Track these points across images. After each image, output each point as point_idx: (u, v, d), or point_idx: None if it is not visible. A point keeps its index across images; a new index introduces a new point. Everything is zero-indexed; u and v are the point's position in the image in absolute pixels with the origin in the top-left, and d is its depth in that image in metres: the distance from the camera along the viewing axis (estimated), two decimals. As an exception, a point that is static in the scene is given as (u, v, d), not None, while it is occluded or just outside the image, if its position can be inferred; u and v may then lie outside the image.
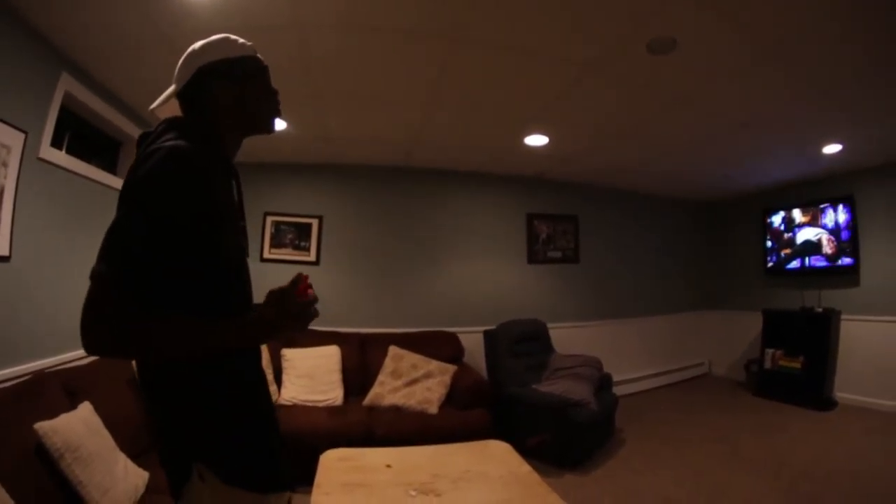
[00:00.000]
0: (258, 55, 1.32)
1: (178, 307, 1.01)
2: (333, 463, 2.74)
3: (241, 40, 1.29)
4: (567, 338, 5.09)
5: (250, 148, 4.47)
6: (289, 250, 5.07)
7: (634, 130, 4.04)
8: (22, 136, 2.54)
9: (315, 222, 5.11)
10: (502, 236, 5.40)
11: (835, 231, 5.26)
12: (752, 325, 5.87)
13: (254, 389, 1.20)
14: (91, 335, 0.94)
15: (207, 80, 1.22)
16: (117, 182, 3.56)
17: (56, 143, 2.93)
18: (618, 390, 4.52)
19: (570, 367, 4.18)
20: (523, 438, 3.78)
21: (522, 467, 2.54)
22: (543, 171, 5.32)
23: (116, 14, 2.48)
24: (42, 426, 2.06)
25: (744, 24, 2.52)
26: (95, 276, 0.95)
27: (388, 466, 2.64)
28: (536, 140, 4.23)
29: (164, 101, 1.25)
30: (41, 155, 2.73)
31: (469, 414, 3.67)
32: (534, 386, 4.05)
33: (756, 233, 6.16)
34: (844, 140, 4.23)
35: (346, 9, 2.51)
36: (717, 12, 2.43)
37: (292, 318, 1.08)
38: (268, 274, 4.95)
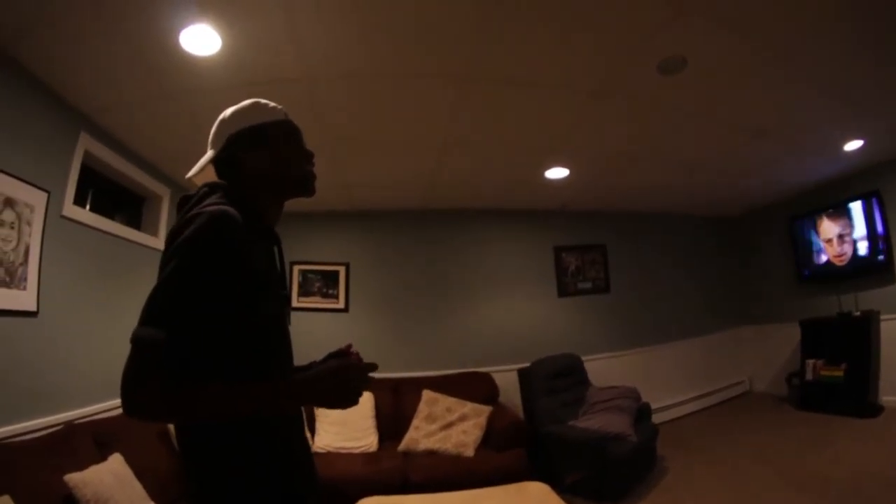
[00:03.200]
0: (288, 118, 1.31)
1: (215, 372, 1.00)
2: (371, 512, 2.68)
3: (271, 104, 1.29)
4: (602, 370, 4.95)
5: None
6: (317, 298, 5.08)
7: (652, 152, 4.00)
8: (44, 195, 2.63)
9: (342, 269, 5.14)
10: (530, 271, 5.34)
11: (865, 228, 5.05)
12: (789, 336, 5.63)
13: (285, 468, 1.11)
14: (132, 400, 0.93)
15: (238, 149, 1.22)
16: (140, 237, 3.66)
17: (79, 200, 3.02)
18: (658, 417, 4.37)
19: (607, 401, 4.04)
20: (563, 474, 3.67)
21: (564, 508, 2.43)
22: (566, 203, 5.28)
23: (124, 70, 2.56)
24: (72, 478, 2.06)
25: (752, 32, 2.50)
26: (136, 340, 0.95)
27: (426, 513, 2.57)
28: (557, 173, 4.23)
29: (200, 170, 1.25)
30: (64, 213, 2.82)
31: (506, 455, 3.55)
32: (571, 423, 3.93)
33: (784, 242, 5.96)
34: (866, 135, 4.10)
35: (351, 58, 2.55)
36: (725, 24, 2.41)
37: (351, 391, 1.06)
38: (297, 323, 4.99)
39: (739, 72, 2.85)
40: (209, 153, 1.25)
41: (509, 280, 5.26)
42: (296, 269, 5.11)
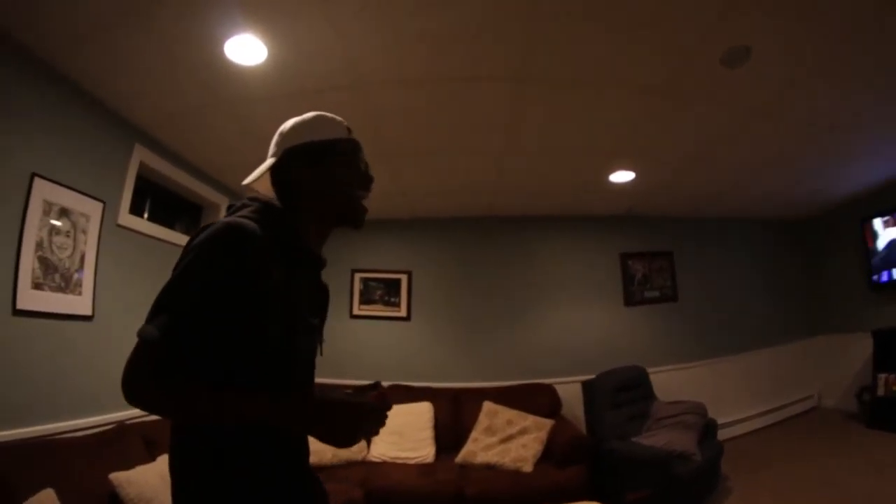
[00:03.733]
0: (350, 136, 1.25)
1: (221, 374, 0.98)
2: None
3: (335, 119, 1.24)
4: (668, 382, 4.65)
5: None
6: (379, 306, 5.06)
7: (718, 152, 3.72)
8: (100, 205, 2.73)
9: (404, 277, 5.09)
10: (596, 279, 5.11)
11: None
12: (861, 348, 5.05)
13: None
14: (131, 393, 0.94)
15: (294, 165, 1.18)
16: None
17: (136, 209, 3.11)
18: (723, 433, 4.06)
19: (673, 416, 3.79)
20: (622, 494, 3.43)
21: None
22: (633, 207, 5.02)
23: (173, 83, 2.61)
24: (117, 476, 2.07)
25: (817, 17, 2.24)
26: (141, 336, 0.95)
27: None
28: (622, 176, 4.01)
29: (255, 179, 1.19)
30: (120, 221, 2.92)
31: (566, 471, 3.35)
32: (634, 438, 3.70)
33: (855, 246, 5.35)
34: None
35: (403, 63, 2.49)
36: (786, 11, 2.19)
37: (357, 434, 0.98)
38: (358, 331, 5.00)
39: (807, 60, 2.59)
40: (266, 162, 1.20)
41: (574, 288, 5.06)
42: (357, 276, 5.12)
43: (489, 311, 4.98)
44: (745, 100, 2.95)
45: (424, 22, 2.21)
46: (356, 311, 5.07)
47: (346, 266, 5.13)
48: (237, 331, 0.99)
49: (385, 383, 4.39)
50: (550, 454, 3.61)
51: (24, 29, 2.18)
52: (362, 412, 0.99)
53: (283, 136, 1.21)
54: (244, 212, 1.10)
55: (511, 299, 4.99)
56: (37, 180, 2.32)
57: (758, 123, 3.27)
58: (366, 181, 1.25)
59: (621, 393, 4.06)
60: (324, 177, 1.18)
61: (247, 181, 1.20)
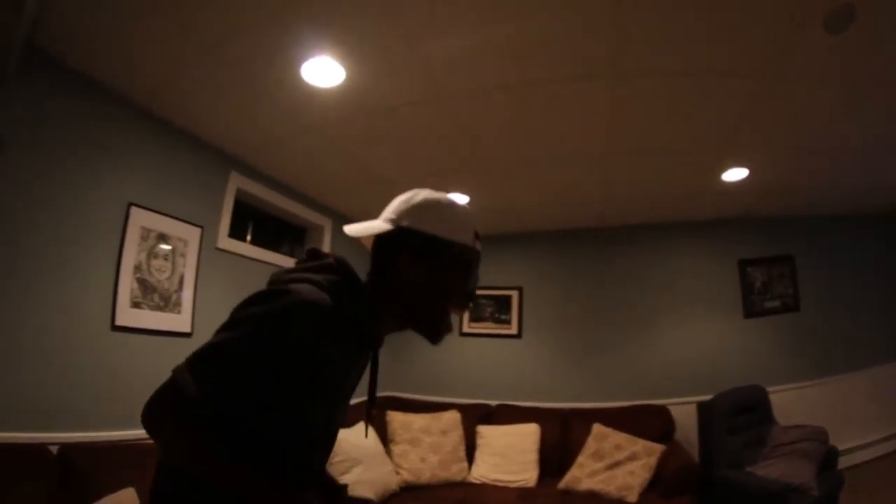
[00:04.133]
0: (475, 244, 1.12)
1: (233, 441, 0.91)
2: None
3: (470, 218, 1.14)
4: (787, 403, 4.09)
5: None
6: (489, 324, 5.02)
7: (830, 138, 3.20)
8: (198, 230, 2.94)
9: (515, 294, 5.01)
10: (713, 290, 4.64)
11: None
12: None
13: None
14: (153, 428, 0.93)
15: (405, 249, 1.06)
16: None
17: (238, 233, 3.32)
18: (844, 460, 3.52)
19: (791, 443, 3.36)
20: None
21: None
22: (749, 209, 4.50)
23: (262, 111, 2.76)
24: None
25: None
26: (176, 376, 0.92)
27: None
28: (735, 174, 3.61)
29: (359, 233, 1.10)
30: (219, 245, 3.12)
31: (673, 502, 3.04)
32: (749, 469, 3.32)
33: None
34: None
35: (486, 70, 2.44)
36: None
37: None
38: (467, 349, 4.99)
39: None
40: (376, 225, 1.09)
41: (690, 300, 4.65)
42: (466, 294, 5.11)
43: (601, 328, 4.75)
44: (852, 71, 2.50)
45: (504, 28, 2.15)
46: (466, 329, 5.07)
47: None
48: (280, 407, 0.94)
49: (493, 403, 4.40)
50: (659, 482, 3.35)
51: (117, 76, 2.42)
52: None
53: (409, 209, 1.08)
54: (323, 277, 1.02)
55: (624, 314, 4.73)
56: (133, 209, 2.58)
57: (872, 98, 2.74)
58: (468, 300, 1.14)
59: (739, 416, 3.68)
60: (431, 282, 1.06)
61: (349, 231, 1.10)
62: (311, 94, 2.59)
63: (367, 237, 1.11)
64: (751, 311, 4.54)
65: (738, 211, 4.53)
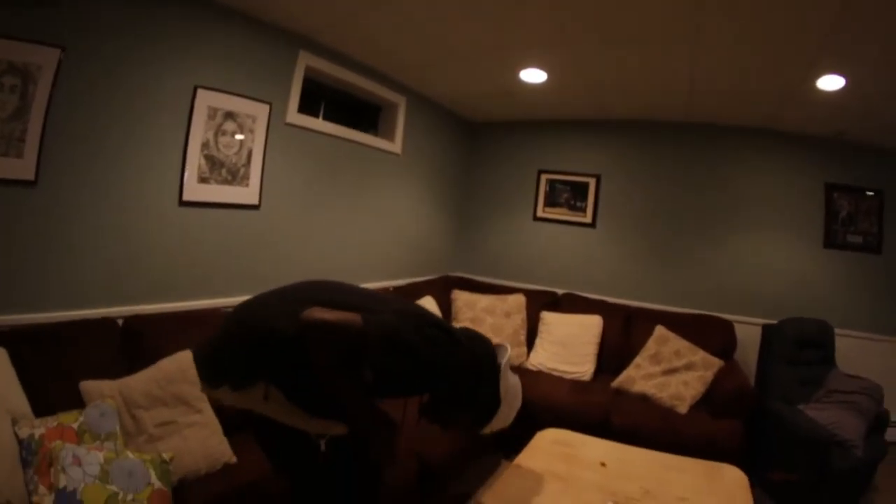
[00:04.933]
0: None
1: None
2: (546, 444, 2.67)
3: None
4: (851, 350, 3.96)
5: (521, 104, 4.43)
6: (563, 210, 4.97)
7: None
8: (266, 106, 3.03)
9: (592, 181, 4.89)
10: (794, 210, 4.36)
11: None
12: None
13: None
14: (316, 337, 1.36)
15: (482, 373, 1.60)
16: (374, 140, 4.04)
17: (311, 109, 3.41)
18: (890, 435, 3.35)
19: (847, 392, 3.30)
20: (769, 466, 3.22)
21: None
22: (843, 130, 4.09)
23: None
24: None
25: None
26: (366, 322, 1.36)
27: (603, 465, 2.47)
28: (830, 82, 3.18)
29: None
30: (288, 120, 3.21)
31: (720, 423, 3.18)
32: (801, 406, 3.31)
33: None
34: None
35: None
36: None
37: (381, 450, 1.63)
38: (540, 234, 4.99)
39: None
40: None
41: (769, 215, 4.41)
42: (543, 177, 5.04)
43: (676, 229, 4.63)
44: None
45: None
46: (540, 214, 5.05)
47: (532, 167, 5.09)
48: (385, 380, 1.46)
49: (559, 291, 4.47)
50: (710, 399, 3.44)
51: None
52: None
53: (483, 340, 1.71)
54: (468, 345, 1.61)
55: (700, 220, 4.57)
56: (199, 91, 2.67)
57: None
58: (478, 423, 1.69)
59: (802, 349, 3.66)
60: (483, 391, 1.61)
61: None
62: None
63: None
64: (832, 242, 4.29)
65: (832, 131, 4.10)
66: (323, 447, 1.57)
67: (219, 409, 2.17)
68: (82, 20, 2.18)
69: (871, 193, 4.25)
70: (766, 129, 4.40)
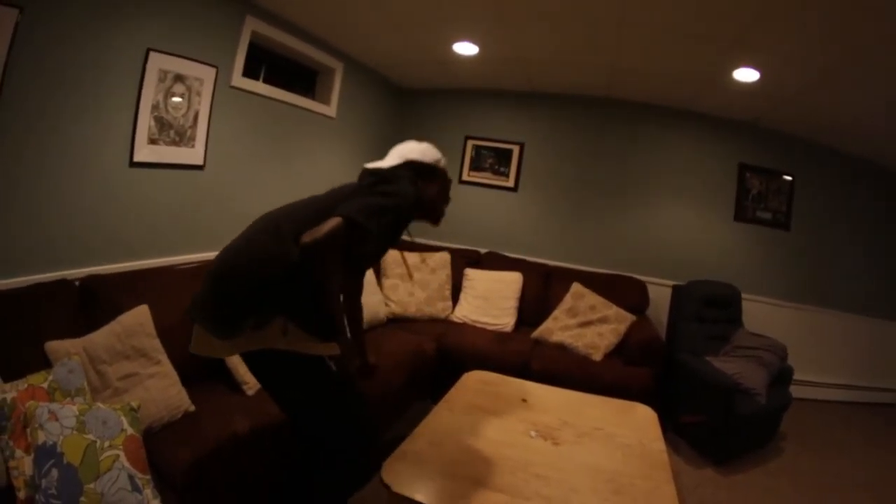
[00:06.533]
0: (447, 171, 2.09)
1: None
2: (473, 384, 2.80)
3: (444, 159, 2.07)
4: (758, 314, 4.39)
5: (452, 73, 4.49)
6: (488, 174, 5.10)
7: (854, 71, 3.07)
8: (213, 70, 3.04)
9: (516, 149, 5.05)
10: (709, 184, 4.72)
11: None
12: None
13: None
14: (319, 248, 1.56)
15: (416, 173, 1.92)
16: (310, 104, 4.07)
17: (251, 73, 3.41)
18: (795, 391, 3.75)
19: (751, 348, 3.64)
20: (679, 411, 3.50)
21: (656, 444, 2.30)
22: (759, 117, 4.46)
23: None
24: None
25: None
26: (357, 222, 1.60)
27: (524, 401, 2.63)
28: (746, 75, 3.49)
29: (375, 167, 1.92)
30: (233, 83, 3.22)
31: (632, 370, 3.42)
32: (708, 358, 3.60)
33: None
34: None
35: None
36: None
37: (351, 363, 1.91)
38: (465, 196, 5.10)
39: None
40: (388, 162, 1.94)
41: (686, 189, 4.74)
42: (469, 143, 5.16)
43: (596, 196, 4.87)
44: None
45: None
46: (465, 177, 5.15)
47: (459, 132, 5.18)
48: (383, 242, 1.85)
49: (482, 250, 4.61)
50: (623, 350, 3.68)
51: None
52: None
53: (408, 149, 1.98)
54: (411, 180, 1.87)
55: (620, 188, 4.83)
56: (151, 54, 2.62)
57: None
58: (447, 200, 2.10)
59: (709, 308, 3.95)
60: (435, 189, 1.99)
61: (369, 166, 1.92)
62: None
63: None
64: (742, 216, 4.66)
65: (748, 117, 4.46)
66: (333, 367, 1.81)
67: (175, 361, 2.23)
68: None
69: (788, 178, 4.64)
70: (686, 110, 4.66)
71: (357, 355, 1.90)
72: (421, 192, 1.88)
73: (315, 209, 1.70)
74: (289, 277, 1.62)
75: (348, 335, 1.79)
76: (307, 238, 1.55)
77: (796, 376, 3.71)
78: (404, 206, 1.76)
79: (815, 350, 4.61)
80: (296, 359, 1.68)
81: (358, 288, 2.17)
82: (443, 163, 2.03)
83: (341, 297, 1.78)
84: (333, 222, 1.57)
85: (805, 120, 4.24)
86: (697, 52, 3.38)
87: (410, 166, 1.91)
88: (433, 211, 2.02)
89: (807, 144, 4.64)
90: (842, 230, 4.71)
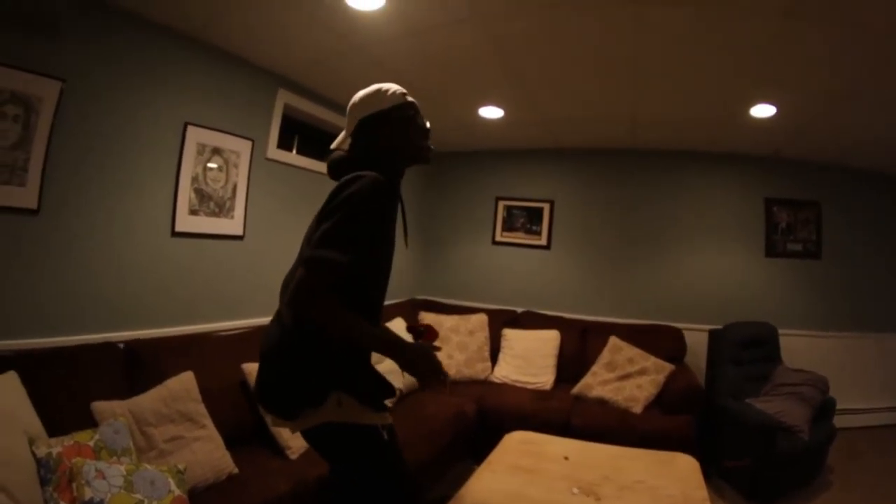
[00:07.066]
0: (408, 98, 1.67)
1: (348, 291, 1.43)
2: (514, 444, 2.87)
3: (392, 90, 1.64)
4: (796, 348, 4.36)
5: (480, 136, 4.74)
6: (520, 234, 5.26)
7: (864, 90, 3.15)
8: (249, 143, 3.25)
9: (546, 206, 5.20)
10: (737, 224, 4.78)
11: None
12: None
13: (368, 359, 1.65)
14: (306, 308, 1.36)
15: (368, 130, 1.63)
16: None
17: (285, 145, 3.61)
18: (840, 421, 3.70)
19: (792, 384, 3.62)
20: (722, 456, 3.50)
21: (698, 492, 2.33)
22: (779, 149, 4.53)
23: (303, 34, 2.90)
24: (248, 366, 2.56)
25: None
26: (319, 260, 1.35)
27: (566, 458, 2.68)
28: (763, 111, 3.62)
29: (340, 143, 1.73)
30: (268, 156, 3.44)
31: (673, 419, 3.44)
32: (749, 400, 3.61)
33: None
34: None
35: None
36: None
37: (426, 373, 1.57)
38: (499, 257, 5.27)
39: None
40: (344, 131, 1.71)
41: (714, 230, 4.81)
42: (501, 204, 5.34)
43: (627, 246, 4.97)
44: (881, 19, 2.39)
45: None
46: (498, 238, 5.32)
47: (490, 193, 5.37)
48: (368, 254, 1.47)
49: (519, 309, 4.73)
50: (663, 399, 3.70)
51: (167, 13, 2.60)
52: (435, 357, 1.59)
53: (354, 107, 1.66)
54: (369, 172, 1.48)
55: (650, 236, 4.92)
56: (189, 128, 2.84)
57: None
58: (425, 132, 1.72)
59: (747, 349, 3.96)
60: (393, 134, 1.63)
61: (334, 145, 1.74)
62: (354, 16, 2.65)
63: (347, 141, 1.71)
64: (772, 251, 4.70)
65: (768, 150, 4.57)
66: (385, 436, 1.62)
67: (219, 424, 2.32)
68: (82, 55, 2.32)
69: (815, 204, 4.69)
70: (707, 151, 4.80)
71: (427, 360, 1.57)
72: (381, 153, 1.61)
73: (298, 261, 1.60)
74: (316, 348, 1.48)
75: (404, 341, 1.56)
76: (283, 305, 1.45)
77: (840, 405, 3.67)
78: (363, 203, 1.42)
79: (856, 376, 4.56)
80: (352, 429, 1.56)
81: (381, 299, 1.73)
82: (392, 95, 1.64)
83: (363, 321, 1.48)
84: (298, 276, 1.37)
85: (825, 144, 4.31)
86: (713, 99, 3.55)
87: (363, 128, 1.64)
88: (410, 155, 1.70)
89: (829, 168, 4.71)
90: (871, 249, 4.71)
